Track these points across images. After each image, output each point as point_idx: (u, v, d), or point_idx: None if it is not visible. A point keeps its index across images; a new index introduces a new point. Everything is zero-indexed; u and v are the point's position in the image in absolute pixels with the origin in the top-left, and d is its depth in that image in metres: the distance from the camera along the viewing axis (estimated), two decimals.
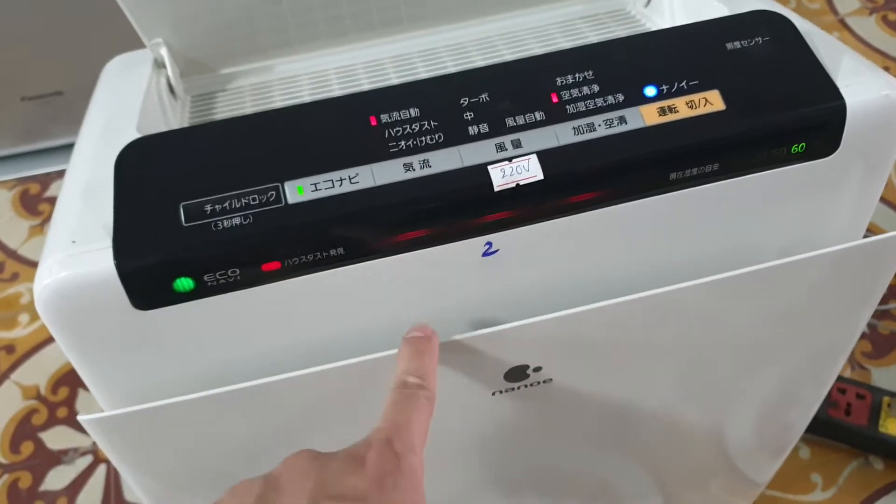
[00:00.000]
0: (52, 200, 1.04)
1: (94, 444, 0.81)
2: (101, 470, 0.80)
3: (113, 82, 0.43)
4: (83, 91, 0.45)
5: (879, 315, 0.88)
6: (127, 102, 0.40)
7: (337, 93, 0.45)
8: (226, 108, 0.45)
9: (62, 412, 0.83)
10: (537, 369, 0.37)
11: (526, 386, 0.38)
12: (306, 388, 0.35)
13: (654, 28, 0.46)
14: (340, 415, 0.37)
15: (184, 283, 0.32)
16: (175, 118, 0.43)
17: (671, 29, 0.37)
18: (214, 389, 0.33)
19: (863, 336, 0.87)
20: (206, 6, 0.43)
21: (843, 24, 1.12)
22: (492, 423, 0.41)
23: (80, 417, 0.34)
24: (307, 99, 0.44)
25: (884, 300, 0.90)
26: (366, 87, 0.45)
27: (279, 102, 0.45)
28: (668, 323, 0.38)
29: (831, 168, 0.36)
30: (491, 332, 0.35)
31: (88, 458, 0.80)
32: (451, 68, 0.45)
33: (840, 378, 0.81)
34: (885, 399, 0.79)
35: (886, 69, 1.06)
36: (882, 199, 0.97)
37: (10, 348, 0.89)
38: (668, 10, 0.46)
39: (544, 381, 0.38)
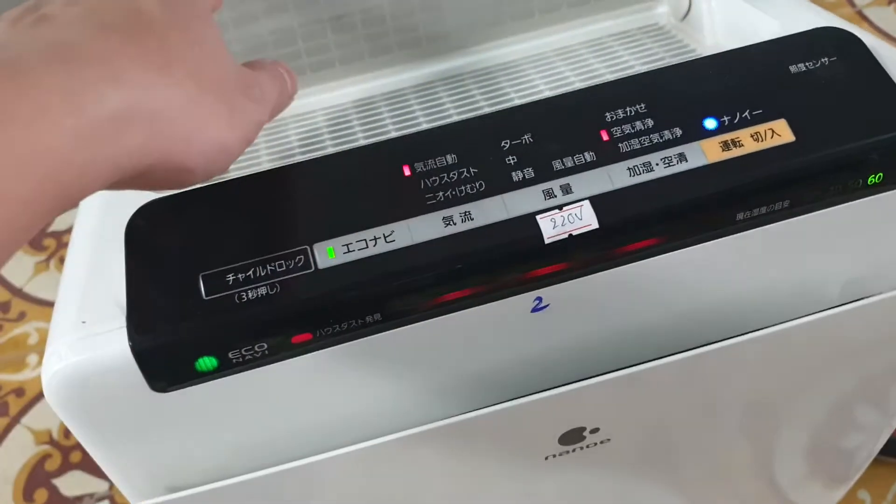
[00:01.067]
0: (57, 235, 1.01)
1: (110, 489, 0.78)
2: None
3: None
4: None
5: None
6: None
7: (357, 129, 0.42)
8: None
9: (76, 457, 0.80)
10: (594, 430, 0.34)
11: (581, 448, 0.35)
12: (347, 467, 0.32)
13: (695, 45, 0.42)
14: (397, 485, 0.34)
15: (207, 362, 0.29)
16: None
17: (725, 53, 0.33)
18: (246, 475, 0.30)
19: None
20: None
21: (862, 16, 1.09)
22: (543, 488, 0.38)
23: None
24: (326, 138, 0.41)
25: None
26: (388, 121, 0.42)
27: (296, 142, 0.41)
28: (736, 375, 0.35)
29: None
30: (544, 398, 0.31)
31: None
32: (478, 96, 0.42)
33: None
34: None
35: None
36: None
37: (19, 391, 0.86)
38: (707, 25, 0.43)
39: (601, 442, 0.35)
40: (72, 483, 0.79)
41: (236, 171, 0.41)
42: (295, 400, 0.31)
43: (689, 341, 0.33)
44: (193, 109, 0.24)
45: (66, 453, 0.81)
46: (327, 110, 0.44)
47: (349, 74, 0.44)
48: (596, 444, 0.35)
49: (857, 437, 0.47)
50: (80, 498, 0.78)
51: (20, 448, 0.82)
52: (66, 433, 0.82)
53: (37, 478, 0.79)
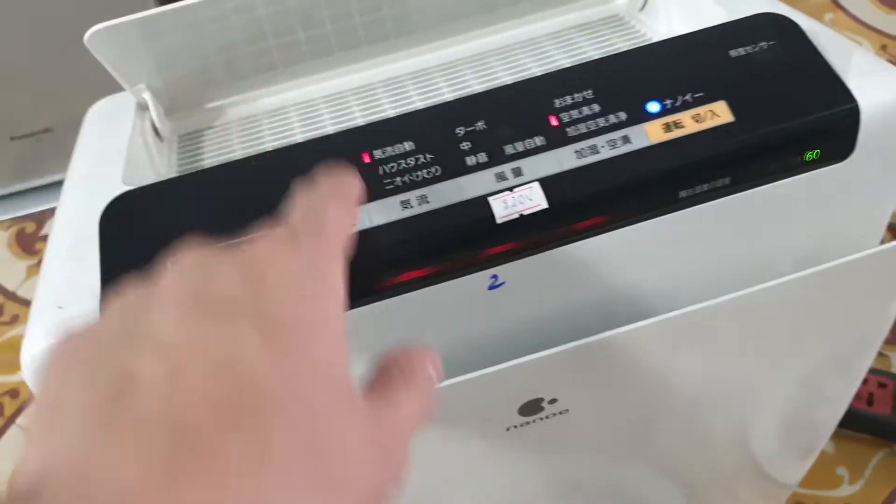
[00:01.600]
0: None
1: None
2: None
3: (96, 129, 0.42)
4: (73, 125, 0.43)
5: None
6: (111, 150, 0.38)
7: (328, 123, 0.43)
8: (214, 148, 0.43)
9: None
10: (553, 401, 0.36)
11: (542, 419, 0.37)
12: None
13: (651, 35, 0.44)
14: None
15: None
16: (162, 163, 0.42)
17: (670, 40, 0.35)
18: None
19: None
20: (185, 47, 0.41)
21: (837, 4, 1.11)
22: (508, 457, 0.40)
23: None
24: (298, 132, 0.43)
25: None
26: (358, 116, 0.43)
27: (268, 137, 0.43)
28: (687, 344, 0.36)
29: (847, 172, 0.34)
30: (501, 369, 0.33)
31: None
32: (446, 90, 0.44)
33: None
34: None
35: (883, 48, 1.05)
36: None
37: (13, 393, 0.87)
38: (663, 14, 0.44)
39: (560, 413, 0.37)
40: None
41: (210, 156, 0.42)
42: None
43: (641, 314, 0.35)
44: None
45: None
46: (299, 105, 0.45)
47: (319, 70, 0.46)
48: (555, 414, 0.37)
49: (818, 406, 0.48)
50: None
51: (14, 448, 0.83)
52: None
53: None
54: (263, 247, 0.22)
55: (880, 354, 0.83)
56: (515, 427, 0.37)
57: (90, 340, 0.21)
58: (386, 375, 0.24)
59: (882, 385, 0.78)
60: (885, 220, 0.38)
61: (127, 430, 0.18)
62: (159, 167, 0.41)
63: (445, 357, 0.34)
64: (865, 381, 0.78)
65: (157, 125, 0.42)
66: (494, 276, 0.33)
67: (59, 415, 0.19)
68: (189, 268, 0.22)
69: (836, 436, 0.79)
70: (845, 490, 0.77)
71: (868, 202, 0.37)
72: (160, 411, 0.18)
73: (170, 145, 0.44)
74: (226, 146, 0.43)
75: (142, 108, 0.43)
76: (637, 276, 0.35)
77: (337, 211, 0.24)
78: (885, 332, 0.42)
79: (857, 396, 0.78)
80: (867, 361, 0.45)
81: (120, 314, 0.21)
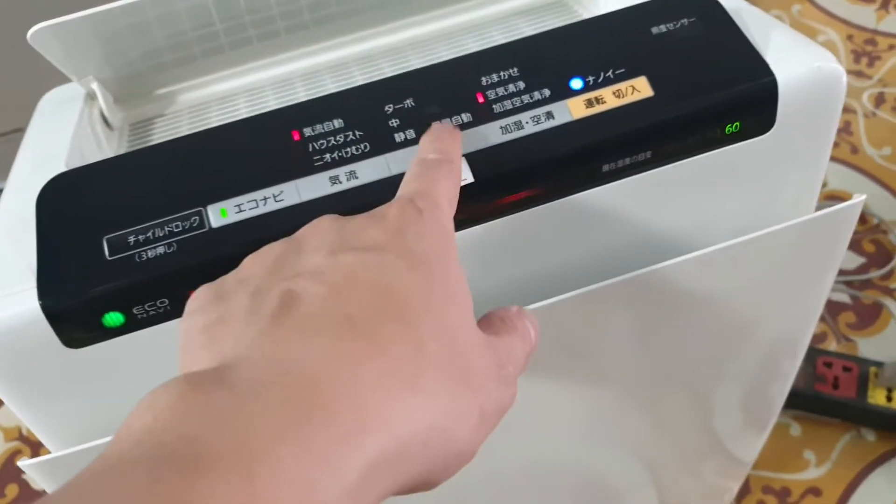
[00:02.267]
0: None
1: None
2: None
3: (46, 118, 0.43)
4: None
5: (861, 285, 0.88)
6: (57, 138, 0.39)
7: (274, 107, 0.44)
8: (163, 135, 0.44)
9: (45, 451, 0.82)
10: None
11: None
12: None
13: (587, 15, 0.45)
14: None
15: (113, 318, 0.31)
16: (111, 150, 0.43)
17: (594, 18, 0.36)
18: None
19: (846, 307, 0.87)
20: (132, 38, 0.42)
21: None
22: None
23: (21, 463, 0.33)
24: (244, 114, 0.44)
25: (864, 269, 0.89)
26: (303, 99, 0.44)
27: (216, 122, 0.44)
28: (622, 312, 0.37)
29: (770, 145, 0.35)
30: None
31: None
32: (388, 72, 0.45)
33: (826, 352, 0.80)
34: (872, 370, 0.78)
35: (850, 37, 1.06)
36: (851, 165, 0.96)
37: None
38: None
39: None
40: None
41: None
42: None
43: (577, 286, 0.36)
44: (445, 423, 0.21)
45: (36, 448, 0.83)
46: (247, 90, 0.46)
47: (267, 54, 0.47)
48: None
49: (765, 379, 0.49)
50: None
51: None
52: None
53: (8, 473, 0.82)
54: (395, 212, 0.25)
55: (847, 339, 0.85)
56: None
57: (239, 279, 0.25)
58: (491, 325, 0.27)
59: (847, 369, 0.79)
60: (817, 190, 0.39)
61: (301, 326, 0.21)
62: (108, 155, 0.42)
63: None
64: (831, 366, 0.79)
65: (106, 114, 0.43)
66: None
67: (228, 326, 0.22)
68: (327, 224, 0.26)
69: (802, 420, 0.80)
70: (812, 472, 0.78)
71: (797, 173, 0.37)
72: (327, 310, 0.21)
73: (120, 134, 0.45)
74: (175, 133, 0.44)
75: (91, 97, 0.44)
76: (570, 249, 0.36)
77: (447, 185, 0.27)
78: (820, 304, 0.43)
79: (823, 381, 0.79)
80: (808, 333, 0.46)
81: (267, 256, 0.25)
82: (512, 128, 0.33)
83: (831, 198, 0.94)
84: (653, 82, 0.34)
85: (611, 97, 0.33)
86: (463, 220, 0.33)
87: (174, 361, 0.33)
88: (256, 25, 0.46)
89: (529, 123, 0.33)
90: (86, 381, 0.33)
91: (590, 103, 0.33)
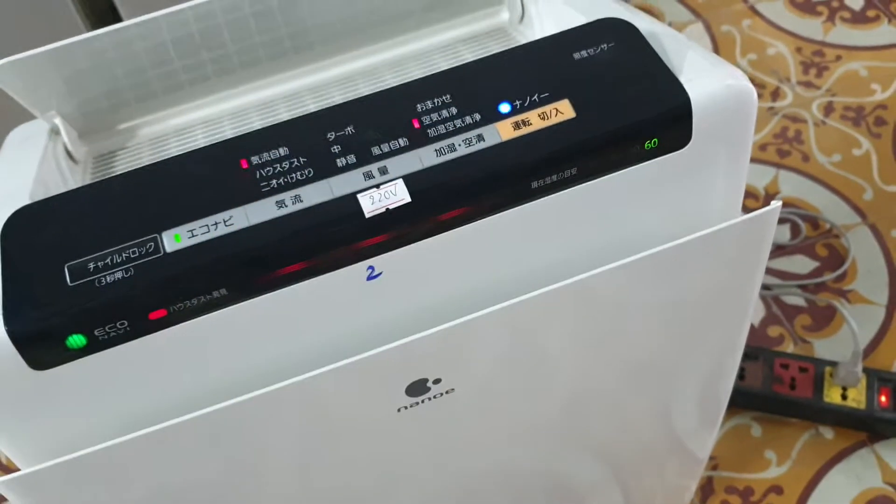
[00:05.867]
0: None
1: None
2: None
3: (11, 153, 0.45)
4: None
5: (815, 289, 0.91)
6: (22, 172, 0.41)
7: (229, 135, 0.46)
8: (125, 167, 0.46)
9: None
10: (437, 381, 0.39)
11: (430, 399, 0.40)
12: (211, 426, 0.36)
13: (525, 42, 0.48)
14: (259, 444, 0.38)
15: (76, 340, 0.33)
16: (76, 182, 0.45)
17: (521, 46, 0.39)
18: (131, 434, 0.35)
19: (802, 310, 0.90)
20: (93, 74, 0.44)
21: (754, 11, 1.16)
22: (409, 440, 0.43)
23: None
24: (202, 143, 0.46)
25: (818, 273, 0.92)
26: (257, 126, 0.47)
27: (175, 153, 0.46)
28: (551, 323, 0.40)
29: (689, 158, 0.38)
30: (378, 353, 0.36)
31: None
32: (339, 100, 0.47)
33: (782, 354, 0.83)
34: (827, 369, 0.81)
35: (798, 50, 1.10)
36: (803, 173, 1.00)
37: None
38: (538, 25, 0.48)
39: (447, 392, 0.40)
40: None
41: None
42: (163, 373, 0.36)
43: (515, 296, 0.38)
44: None
45: None
46: (204, 123, 0.48)
47: (223, 88, 0.49)
48: (442, 394, 0.40)
49: (706, 378, 0.52)
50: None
51: None
52: None
53: None
54: None
55: (803, 341, 0.88)
56: (406, 408, 0.40)
57: None
58: None
59: (803, 370, 0.82)
60: (740, 197, 0.42)
61: None
62: (72, 187, 0.44)
63: (332, 348, 0.37)
64: (787, 367, 0.82)
65: (70, 149, 0.45)
66: (371, 268, 0.36)
67: None
68: None
69: (762, 420, 0.83)
70: (774, 471, 0.81)
71: (718, 184, 0.40)
72: None
73: (84, 167, 0.47)
74: (137, 164, 0.46)
75: (55, 132, 0.46)
76: (507, 263, 0.39)
77: None
78: (751, 304, 0.46)
79: (780, 382, 0.82)
80: (744, 329, 0.48)
81: None
82: (446, 150, 0.36)
83: (786, 205, 0.98)
84: (575, 104, 0.36)
85: (536, 119, 0.36)
86: (401, 238, 0.36)
87: (135, 380, 0.36)
88: (214, 62, 0.48)
89: (462, 146, 0.36)
90: (53, 401, 0.35)
91: (517, 125, 0.36)
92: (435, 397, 0.40)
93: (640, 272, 0.39)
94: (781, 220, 0.97)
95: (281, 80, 0.50)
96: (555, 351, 0.42)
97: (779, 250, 0.95)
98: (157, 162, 0.36)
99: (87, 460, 0.35)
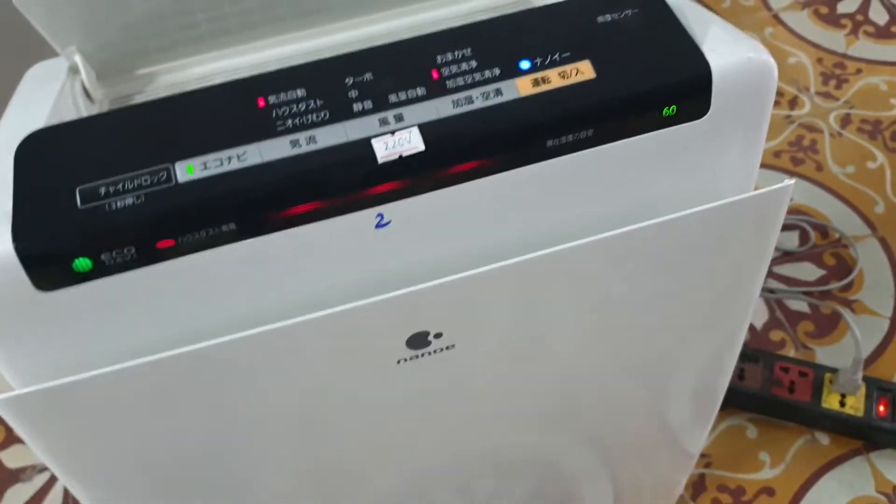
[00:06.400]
0: None
1: None
2: (59, 486, 0.80)
3: (28, 89, 0.45)
4: None
5: (820, 297, 0.91)
6: (39, 106, 0.41)
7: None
8: None
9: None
10: (438, 335, 0.39)
11: (430, 353, 0.40)
12: (209, 361, 0.36)
13: None
14: (257, 384, 0.38)
15: (82, 263, 0.33)
16: None
17: (545, 6, 0.39)
18: (126, 363, 0.35)
19: (805, 317, 0.89)
20: (114, 10, 0.45)
21: (777, 20, 1.16)
22: (405, 397, 0.43)
23: None
24: None
25: (824, 281, 0.92)
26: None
27: None
28: (556, 285, 0.39)
29: (706, 129, 0.38)
30: (382, 300, 0.36)
31: (46, 475, 0.81)
32: None
33: (783, 357, 0.83)
34: (827, 375, 0.81)
35: (819, 60, 1.10)
36: (815, 182, 0.99)
37: None
38: None
39: (447, 348, 0.40)
40: (15, 456, 0.82)
41: None
42: (165, 305, 0.36)
43: (523, 253, 0.38)
44: None
45: (10, 428, 0.84)
46: (225, 73, 0.48)
47: (245, 41, 0.49)
48: (442, 349, 0.40)
49: (703, 361, 0.51)
50: (23, 469, 0.82)
51: None
52: None
53: None
54: None
55: (805, 347, 0.87)
56: (406, 360, 0.40)
57: None
58: None
59: (803, 374, 0.82)
60: (754, 175, 0.41)
61: None
62: None
63: (336, 294, 0.37)
64: (787, 370, 0.82)
65: (88, 87, 0.46)
66: (380, 216, 0.36)
67: None
68: None
69: (758, 422, 0.83)
70: (767, 473, 0.80)
71: (733, 159, 0.40)
72: None
73: (100, 107, 0.47)
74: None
75: (73, 71, 0.46)
76: (516, 221, 0.39)
77: None
78: (755, 291, 0.45)
79: (780, 384, 0.81)
80: (744, 323, 0.48)
81: None
82: (463, 102, 0.36)
83: (796, 212, 0.97)
84: (595, 65, 0.36)
85: (556, 77, 0.36)
86: (412, 187, 0.36)
87: (138, 309, 0.36)
88: (236, 16, 0.48)
89: (479, 99, 0.36)
90: (55, 324, 0.35)
91: (536, 82, 0.36)
92: (435, 352, 0.40)
93: (648, 240, 0.39)
94: (790, 227, 0.96)
95: (301, 38, 0.50)
96: (555, 317, 0.42)
97: (786, 256, 0.94)
98: (174, 95, 0.36)
99: (81, 386, 0.35)
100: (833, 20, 1.16)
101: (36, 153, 0.35)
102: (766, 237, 0.42)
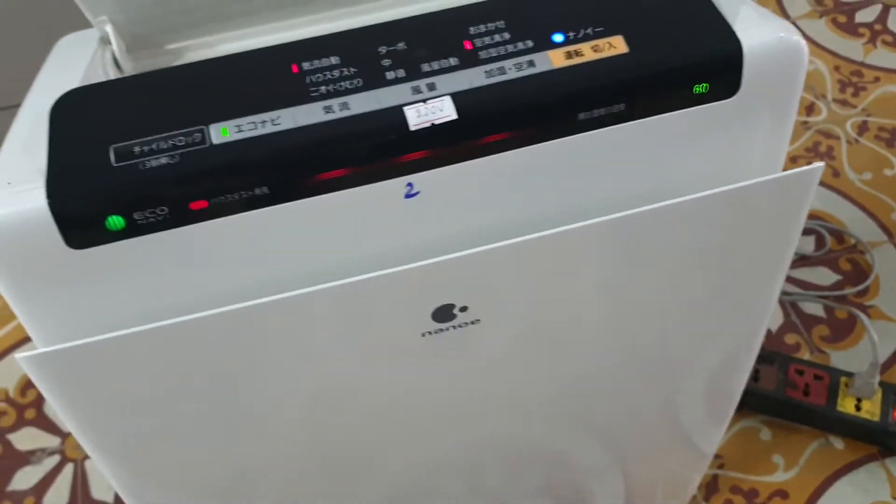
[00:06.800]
0: None
1: (62, 443, 0.81)
2: (69, 469, 0.80)
3: (60, 57, 0.45)
4: None
5: (836, 300, 0.90)
6: (71, 72, 0.42)
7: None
8: None
9: (30, 413, 0.84)
10: (464, 309, 0.39)
11: (455, 327, 0.40)
12: (237, 325, 0.36)
13: None
14: (281, 351, 0.39)
15: (115, 221, 0.33)
16: None
17: None
18: (152, 324, 0.35)
19: (820, 321, 0.89)
20: None
21: (795, 27, 1.16)
22: (428, 373, 0.43)
23: (18, 356, 0.35)
24: None
25: (840, 286, 0.92)
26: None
27: None
28: (583, 261, 0.39)
29: (736, 108, 0.38)
30: (410, 269, 0.36)
31: (56, 458, 0.81)
32: None
33: (798, 360, 0.82)
34: (843, 379, 0.80)
35: (837, 68, 1.10)
36: (832, 188, 0.99)
37: None
38: None
39: (472, 322, 0.40)
40: (25, 438, 0.82)
41: None
42: (196, 267, 0.36)
43: (550, 227, 0.38)
44: None
45: (22, 411, 0.84)
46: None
47: (275, 20, 0.49)
48: (467, 324, 0.40)
49: (721, 357, 0.51)
50: (32, 452, 0.82)
51: None
52: (22, 391, 0.86)
53: None
54: None
55: (820, 351, 0.87)
56: (431, 333, 0.40)
57: None
58: None
59: (818, 377, 0.81)
60: (782, 157, 0.41)
61: None
62: None
63: (365, 262, 0.38)
64: (802, 373, 0.82)
65: (118, 57, 0.46)
66: (410, 185, 0.36)
67: None
68: None
69: (773, 425, 0.82)
70: (780, 476, 0.80)
71: (761, 140, 0.40)
72: None
73: None
74: None
75: (104, 42, 0.46)
76: (546, 195, 0.39)
77: None
78: (780, 276, 0.45)
79: (794, 387, 0.81)
80: (764, 320, 0.48)
81: None
82: (495, 72, 0.36)
83: (812, 217, 0.97)
84: (628, 41, 0.36)
85: (589, 51, 0.36)
86: (443, 157, 0.36)
87: (169, 271, 0.36)
88: None
89: (512, 69, 0.36)
90: (85, 283, 0.35)
91: (569, 55, 0.36)
92: (460, 326, 0.40)
93: (674, 219, 0.39)
94: (807, 231, 0.96)
95: (333, 17, 0.50)
96: (579, 296, 0.42)
97: (802, 260, 0.94)
98: (209, 59, 0.37)
99: (107, 345, 0.35)
100: (851, 29, 1.16)
101: (71, 111, 0.35)
102: (792, 221, 0.42)
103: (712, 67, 0.37)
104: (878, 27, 1.16)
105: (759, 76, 0.37)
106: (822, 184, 1.00)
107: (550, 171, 0.38)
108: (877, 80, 1.10)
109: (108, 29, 0.45)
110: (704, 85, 0.37)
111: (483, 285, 0.39)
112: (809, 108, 1.07)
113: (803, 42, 0.38)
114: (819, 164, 0.39)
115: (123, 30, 0.47)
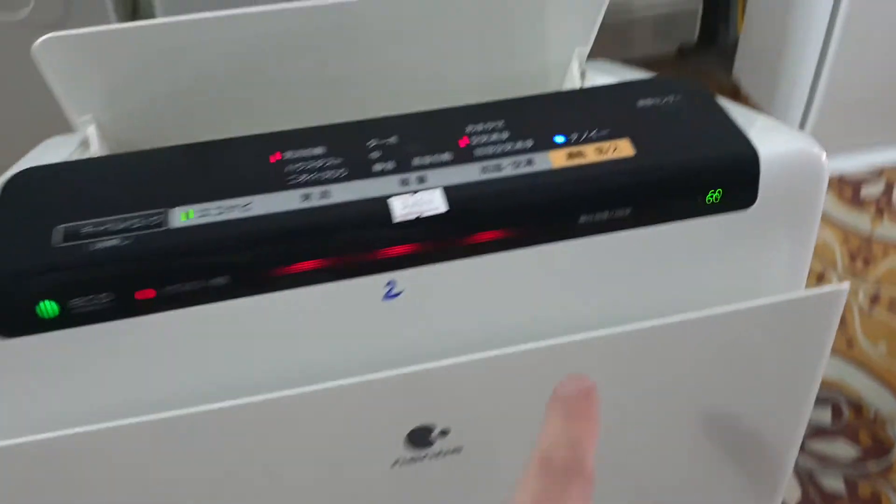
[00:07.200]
0: None
1: None
2: None
3: (38, 153, 0.43)
4: None
5: (857, 477, 0.83)
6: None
7: None
8: None
9: None
10: (444, 433, 0.34)
11: (431, 457, 0.34)
12: (178, 433, 0.31)
13: None
14: (225, 465, 0.33)
15: (47, 308, 0.29)
16: None
17: (585, 89, 0.37)
18: (80, 428, 0.30)
19: (840, 499, 0.82)
20: (136, 81, 0.43)
21: None
22: None
23: None
24: None
25: (861, 461, 0.85)
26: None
27: None
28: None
29: (753, 221, 0.35)
30: (384, 377, 0.32)
31: None
32: None
33: None
34: None
35: (846, 240, 1.08)
36: (846, 358, 0.94)
37: None
38: None
39: (454, 451, 0.34)
40: None
41: None
42: (139, 366, 0.31)
43: (541, 338, 0.34)
44: None
45: None
46: None
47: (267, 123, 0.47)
48: (446, 452, 0.34)
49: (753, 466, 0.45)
50: None
51: None
52: None
53: None
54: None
55: None
56: (402, 463, 0.34)
57: None
58: None
59: None
60: (803, 275, 0.38)
61: None
62: None
63: (333, 369, 0.33)
64: None
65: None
66: (391, 284, 0.32)
67: None
68: None
69: None
70: None
71: (782, 254, 0.36)
72: None
73: None
74: None
75: (84, 145, 0.44)
76: (541, 301, 0.35)
77: (593, 445, 0.24)
78: (808, 403, 0.40)
79: None
80: (801, 427, 0.42)
81: None
82: (491, 168, 0.33)
83: (827, 387, 0.92)
84: (636, 144, 0.34)
85: (592, 152, 0.33)
86: (429, 254, 0.32)
87: (109, 368, 0.31)
88: (260, 98, 0.47)
89: (509, 167, 0.33)
90: (17, 374, 0.30)
91: (570, 156, 0.33)
92: (438, 455, 0.34)
93: (682, 336, 0.35)
94: (822, 401, 0.91)
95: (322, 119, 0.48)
96: None
97: (819, 433, 0.88)
98: (182, 144, 0.34)
99: (36, 447, 0.30)
100: (857, 202, 1.16)
101: (23, 189, 0.32)
102: (817, 343, 0.38)
103: (726, 175, 0.34)
104: (883, 200, 1.16)
105: (777, 187, 0.34)
106: (835, 353, 0.96)
107: (547, 276, 0.34)
108: (886, 253, 1.08)
109: (91, 130, 0.43)
110: (718, 193, 0.34)
111: (468, 403, 0.34)
112: (820, 277, 1.05)
113: (824, 155, 0.35)
114: (844, 284, 0.35)
115: (108, 131, 0.45)
